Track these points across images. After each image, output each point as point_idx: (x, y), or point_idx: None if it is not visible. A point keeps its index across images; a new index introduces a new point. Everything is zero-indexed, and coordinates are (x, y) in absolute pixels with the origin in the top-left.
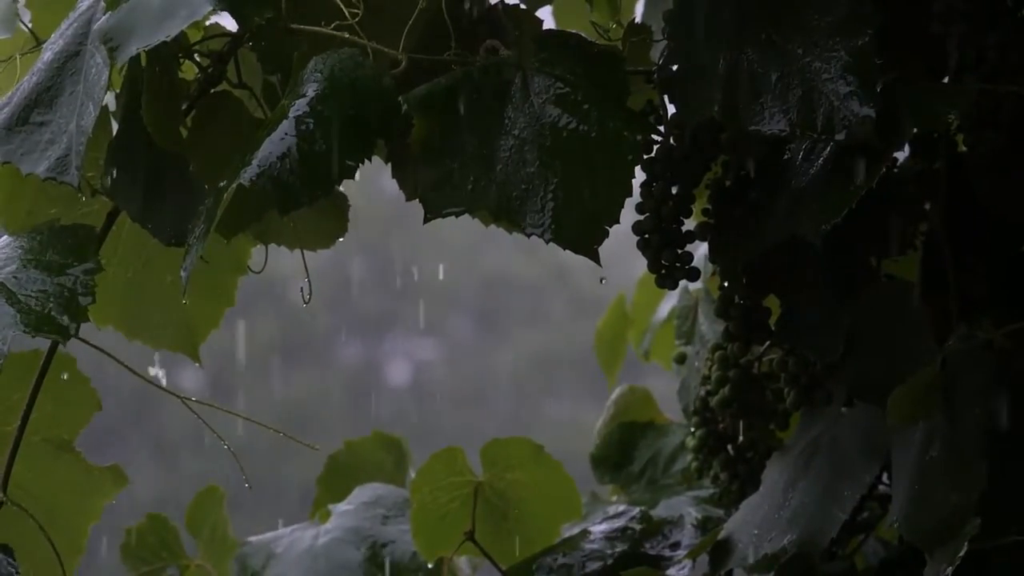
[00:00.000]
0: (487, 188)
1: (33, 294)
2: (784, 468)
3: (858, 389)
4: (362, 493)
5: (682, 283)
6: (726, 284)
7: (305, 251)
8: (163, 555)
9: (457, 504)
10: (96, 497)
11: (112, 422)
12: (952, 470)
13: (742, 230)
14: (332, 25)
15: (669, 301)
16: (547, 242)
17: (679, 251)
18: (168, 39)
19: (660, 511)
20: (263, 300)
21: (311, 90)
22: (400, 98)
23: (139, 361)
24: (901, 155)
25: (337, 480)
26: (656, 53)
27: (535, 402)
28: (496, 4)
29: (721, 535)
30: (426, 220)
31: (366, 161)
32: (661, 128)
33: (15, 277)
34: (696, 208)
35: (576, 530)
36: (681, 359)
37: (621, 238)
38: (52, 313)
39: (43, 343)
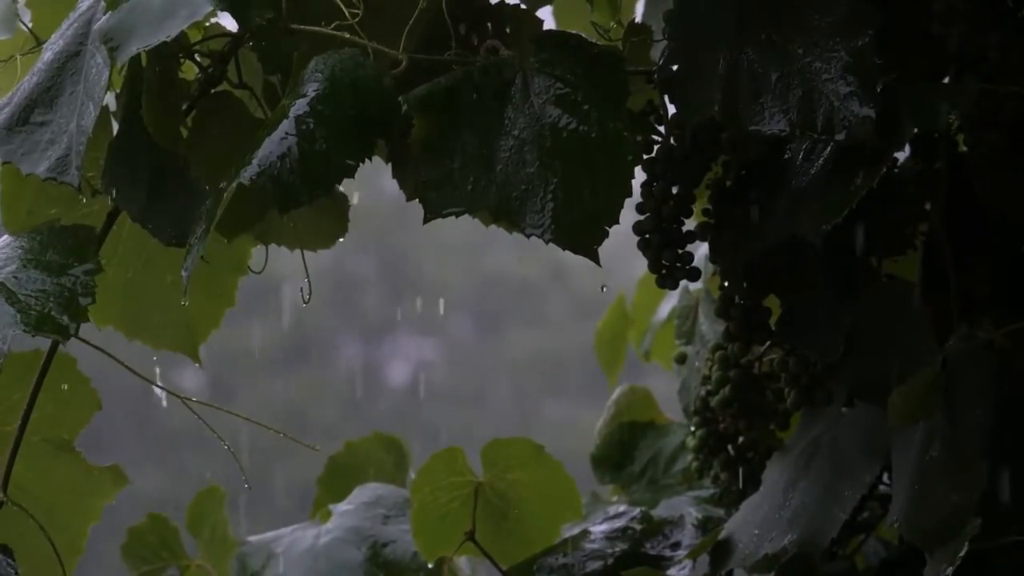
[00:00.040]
0: (487, 188)
1: (33, 294)
2: (784, 468)
3: (858, 389)
4: (362, 493)
5: (682, 283)
6: (726, 284)
7: (305, 251)
8: (163, 555)
9: (457, 504)
10: (96, 497)
11: (112, 422)
12: (952, 470)
13: (742, 230)
14: (332, 25)
15: (669, 301)
16: (547, 242)
17: (679, 251)
18: (169, 39)
19: (660, 511)
20: (263, 300)
21: (311, 90)
22: (400, 98)
23: (139, 361)
24: (901, 155)
25: (337, 480)
26: (656, 53)
27: (535, 402)
28: (496, 4)
29: (721, 535)
30: (426, 220)
31: (366, 161)
32: (661, 128)
33: (15, 277)
34: (696, 208)
35: (576, 530)
36: (681, 359)
37: (621, 238)
38: (52, 313)
39: (43, 343)
